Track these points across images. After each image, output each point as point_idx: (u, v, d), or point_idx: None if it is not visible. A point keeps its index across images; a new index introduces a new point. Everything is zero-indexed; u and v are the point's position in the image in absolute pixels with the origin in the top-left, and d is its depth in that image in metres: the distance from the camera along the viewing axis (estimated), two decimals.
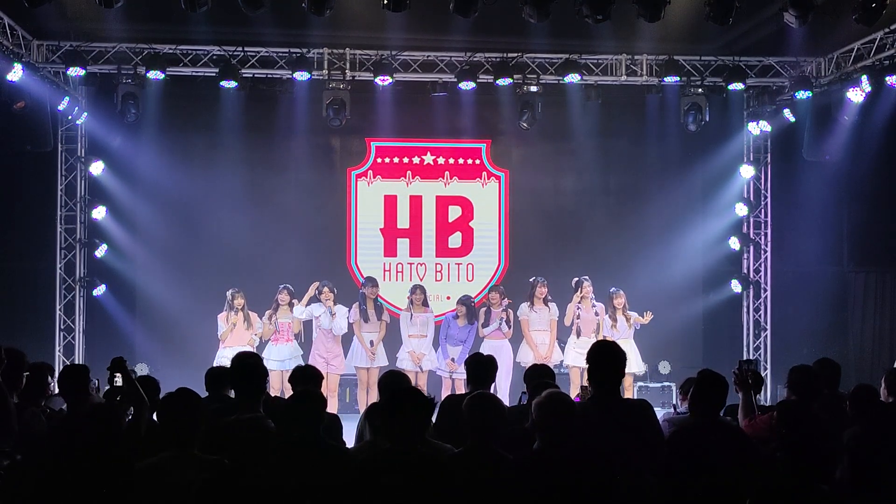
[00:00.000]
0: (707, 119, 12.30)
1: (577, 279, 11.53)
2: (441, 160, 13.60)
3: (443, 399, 6.69)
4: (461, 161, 13.65)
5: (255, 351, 9.86)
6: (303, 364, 10.66)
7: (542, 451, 4.43)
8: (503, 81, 11.83)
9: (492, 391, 6.09)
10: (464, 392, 6.72)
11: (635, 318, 11.33)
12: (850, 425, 5.73)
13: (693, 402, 5.17)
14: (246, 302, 11.17)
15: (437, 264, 13.50)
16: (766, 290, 13.43)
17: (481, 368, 6.19)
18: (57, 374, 6.33)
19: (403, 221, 13.50)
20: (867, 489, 4.86)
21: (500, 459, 4.52)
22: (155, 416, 5.12)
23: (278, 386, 10.40)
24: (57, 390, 6.14)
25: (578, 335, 11.35)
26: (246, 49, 11.86)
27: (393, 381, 5.89)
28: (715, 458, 4.80)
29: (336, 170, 13.65)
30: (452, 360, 11.06)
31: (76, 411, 5.63)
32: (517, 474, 4.37)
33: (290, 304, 11.21)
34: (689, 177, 13.48)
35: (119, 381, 5.65)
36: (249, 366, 5.54)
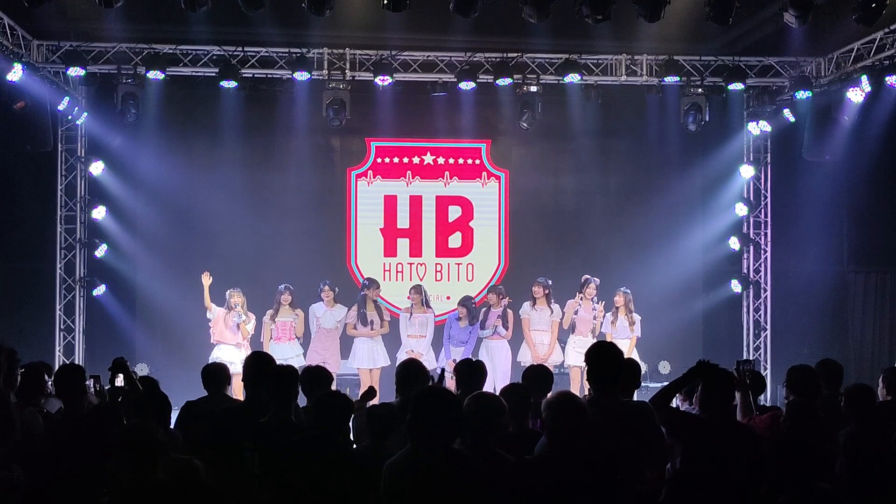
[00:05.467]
0: (707, 119, 12.30)
1: (585, 277, 11.54)
2: (441, 160, 13.60)
3: None
4: (461, 161, 13.64)
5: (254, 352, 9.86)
6: (304, 362, 10.75)
7: (551, 452, 4.41)
8: (503, 81, 11.83)
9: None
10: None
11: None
12: (848, 424, 5.75)
13: (703, 400, 5.17)
14: (244, 301, 11.18)
15: (437, 264, 13.50)
16: (766, 290, 13.43)
17: (471, 374, 6.18)
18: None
19: (403, 221, 13.50)
20: (864, 486, 4.87)
21: (500, 460, 4.51)
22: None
23: None
24: (54, 390, 6.14)
25: (573, 331, 11.43)
26: (246, 49, 11.86)
27: (409, 370, 5.89)
28: (727, 454, 4.80)
29: (336, 170, 13.64)
30: (454, 360, 11.05)
31: (73, 412, 5.63)
32: (522, 476, 4.35)
33: (292, 305, 11.30)
34: (689, 177, 13.48)
35: (120, 381, 5.65)
36: (286, 372, 5.50)
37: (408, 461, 4.31)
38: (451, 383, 10.93)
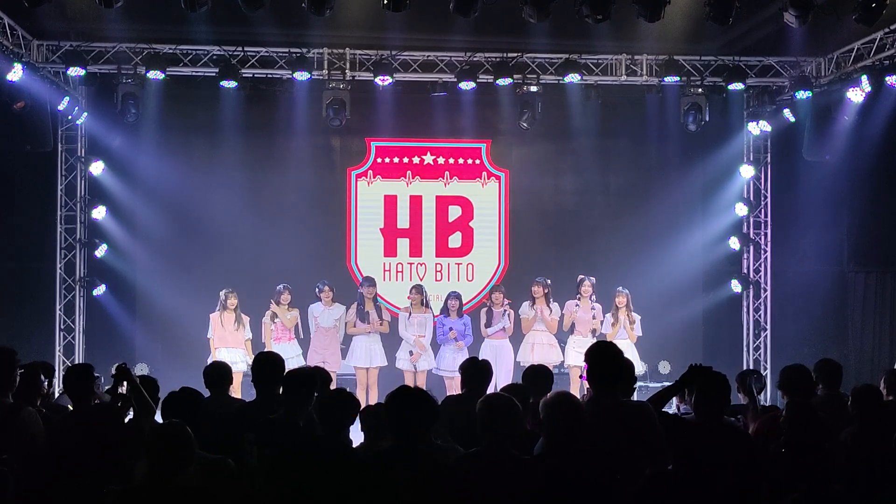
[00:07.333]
0: (707, 119, 12.30)
1: (581, 277, 11.56)
2: (441, 160, 13.60)
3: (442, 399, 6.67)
4: (461, 161, 13.64)
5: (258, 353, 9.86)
6: (304, 362, 10.77)
7: (550, 452, 4.41)
8: (503, 81, 11.82)
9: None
10: (459, 393, 6.71)
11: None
12: (850, 424, 5.74)
13: (697, 403, 5.17)
14: (239, 303, 11.20)
15: (437, 264, 13.50)
16: (766, 290, 13.43)
17: (477, 373, 6.16)
18: (59, 374, 6.31)
19: (403, 221, 13.50)
20: (865, 487, 4.87)
21: (515, 460, 4.50)
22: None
23: None
24: (52, 389, 6.12)
25: (573, 331, 11.44)
26: (246, 49, 11.86)
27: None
28: (719, 458, 4.80)
29: (336, 170, 13.64)
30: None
31: (81, 411, 5.63)
32: (521, 476, 4.35)
33: (291, 304, 11.36)
34: (689, 177, 13.47)
35: (124, 388, 5.61)
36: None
37: (382, 457, 4.39)
38: (449, 382, 11.00)
